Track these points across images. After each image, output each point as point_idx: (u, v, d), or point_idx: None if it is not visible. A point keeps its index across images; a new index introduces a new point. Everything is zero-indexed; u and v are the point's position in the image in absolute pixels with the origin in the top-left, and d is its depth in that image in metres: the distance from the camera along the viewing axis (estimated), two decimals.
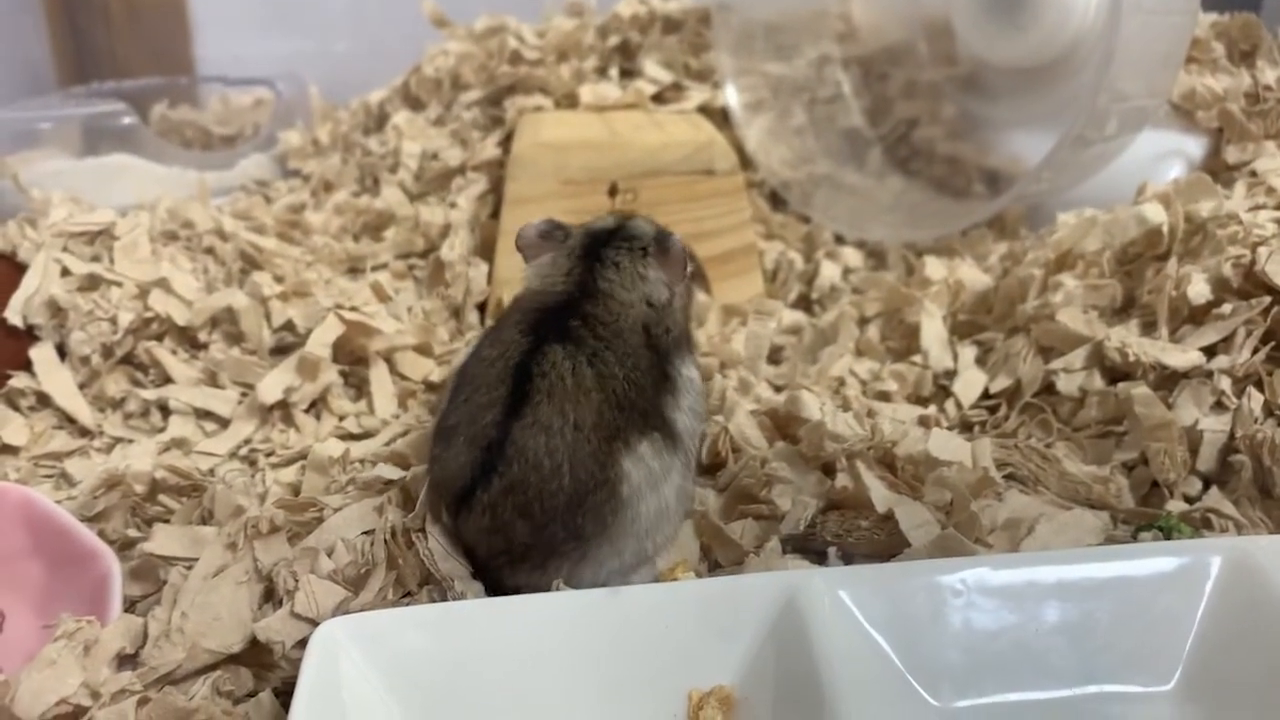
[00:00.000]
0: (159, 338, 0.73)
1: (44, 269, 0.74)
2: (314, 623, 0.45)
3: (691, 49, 1.05)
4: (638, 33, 1.06)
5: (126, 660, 0.47)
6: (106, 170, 1.00)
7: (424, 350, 0.74)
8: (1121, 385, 0.60)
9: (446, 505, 0.50)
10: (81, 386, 0.71)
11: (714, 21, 1.01)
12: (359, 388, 0.72)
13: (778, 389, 0.70)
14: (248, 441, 0.67)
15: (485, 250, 0.85)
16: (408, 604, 0.48)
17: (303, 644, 0.44)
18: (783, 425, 0.63)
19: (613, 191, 0.80)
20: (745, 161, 0.96)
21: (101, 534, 0.54)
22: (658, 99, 1.00)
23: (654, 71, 1.01)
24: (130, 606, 0.51)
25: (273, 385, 0.67)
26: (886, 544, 0.52)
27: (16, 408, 0.69)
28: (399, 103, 1.08)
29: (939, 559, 0.47)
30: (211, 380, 0.71)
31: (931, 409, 0.67)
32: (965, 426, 0.66)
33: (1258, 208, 0.68)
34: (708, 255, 0.83)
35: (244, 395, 0.69)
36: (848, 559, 0.52)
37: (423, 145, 0.98)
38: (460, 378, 0.53)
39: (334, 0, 1.51)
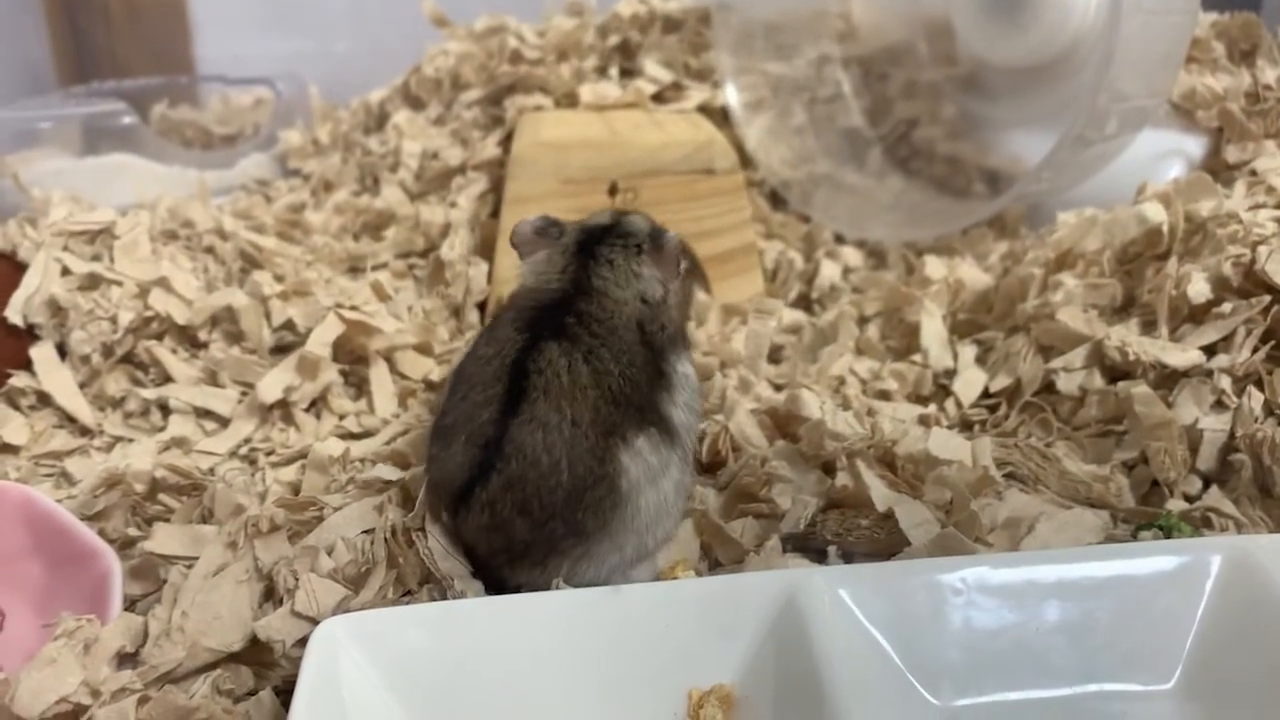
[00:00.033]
0: (159, 337, 0.73)
1: (44, 268, 0.74)
2: (314, 621, 0.45)
3: (691, 48, 1.05)
4: (638, 32, 1.06)
5: (127, 659, 0.47)
6: (107, 169, 1.00)
7: (424, 349, 0.74)
8: (1121, 384, 0.60)
9: (445, 504, 0.50)
10: (82, 385, 0.71)
11: (714, 21, 1.01)
12: (359, 387, 0.72)
13: (778, 388, 0.70)
14: (248, 440, 0.67)
15: (485, 249, 0.85)
16: (408, 603, 0.48)
17: (303, 643, 0.44)
18: (783, 424, 0.63)
19: (613, 191, 0.80)
20: (745, 161, 0.96)
21: (102, 533, 0.54)
22: (658, 98, 1.00)
23: (654, 71, 1.01)
24: (130, 605, 0.51)
25: (273, 384, 0.67)
26: (886, 543, 0.52)
27: (17, 407, 0.69)
28: (399, 102, 1.08)
29: (939, 558, 0.47)
30: (212, 379, 0.71)
31: (931, 408, 0.67)
32: (965, 425, 0.66)
33: (1258, 207, 0.68)
34: (708, 254, 0.82)
35: (244, 394, 0.70)
36: (848, 558, 0.52)
37: (423, 145, 0.98)
38: (457, 376, 0.53)
39: (334, 0, 1.51)
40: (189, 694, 0.45)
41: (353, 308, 0.72)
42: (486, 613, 0.45)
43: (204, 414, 0.69)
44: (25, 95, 1.19)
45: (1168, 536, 0.50)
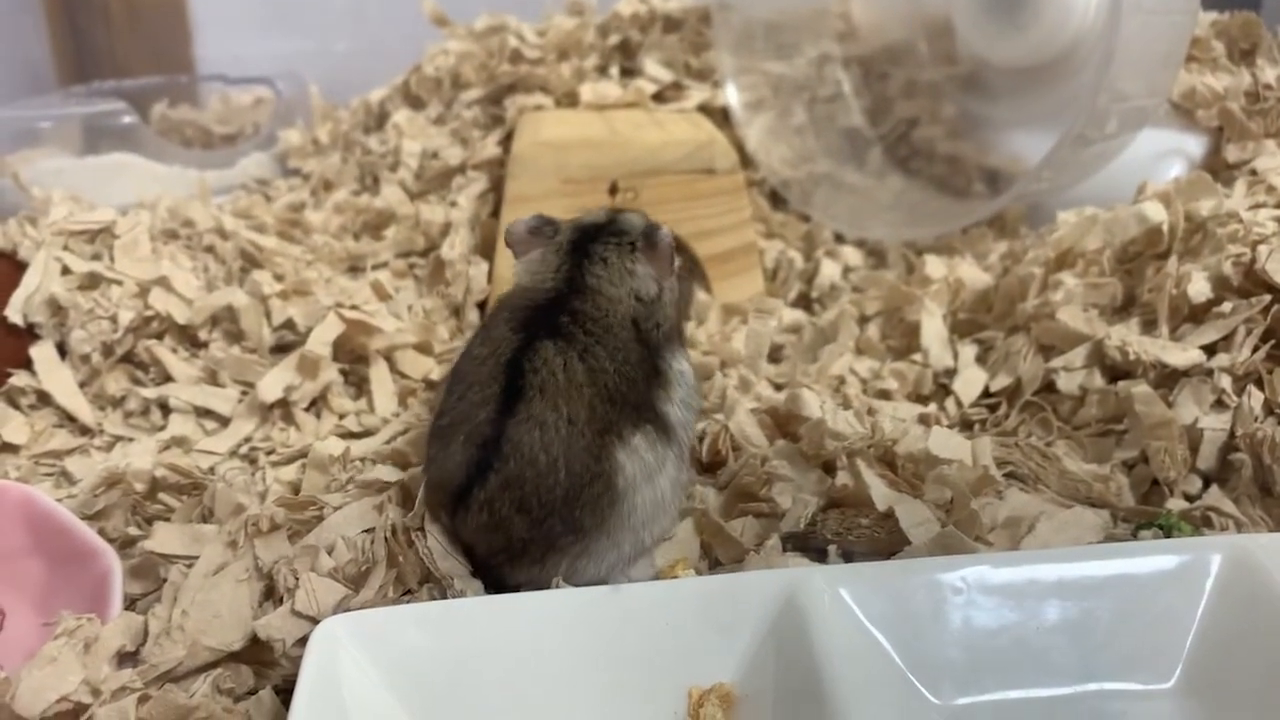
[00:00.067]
0: (159, 336, 0.73)
1: (44, 267, 0.74)
2: (314, 620, 0.45)
3: (692, 48, 1.05)
4: (638, 31, 1.06)
5: (127, 658, 0.47)
6: (107, 169, 1.00)
7: (424, 349, 0.74)
8: (1122, 384, 0.60)
9: (444, 505, 0.50)
10: (82, 385, 0.71)
11: (714, 20, 1.01)
12: (359, 386, 0.72)
13: (778, 387, 0.70)
14: (248, 440, 0.67)
15: (485, 249, 0.85)
16: (408, 602, 0.48)
17: (303, 642, 0.44)
18: (783, 423, 0.63)
19: (613, 190, 0.80)
20: (745, 160, 0.96)
21: (102, 532, 0.54)
22: (658, 98, 1.00)
23: (654, 70, 1.02)
24: (131, 604, 0.51)
25: (273, 383, 0.67)
26: (887, 542, 0.52)
27: (17, 406, 0.69)
28: (399, 102, 1.08)
29: (939, 557, 0.47)
30: (212, 379, 0.71)
31: (932, 407, 0.67)
32: (965, 425, 0.66)
33: (1258, 206, 0.68)
34: (708, 254, 0.83)
35: (244, 394, 0.70)
36: (848, 557, 0.52)
37: (423, 144, 0.98)
38: (454, 377, 0.53)
39: (334, 0, 1.51)
40: (189, 693, 0.45)
41: (353, 307, 0.72)
42: (486, 612, 0.45)
43: (204, 413, 0.69)
44: (25, 95, 1.19)
45: (1168, 536, 0.50)
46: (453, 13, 1.10)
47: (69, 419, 0.69)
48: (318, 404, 0.70)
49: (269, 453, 0.66)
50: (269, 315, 0.74)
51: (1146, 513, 0.53)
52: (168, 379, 0.71)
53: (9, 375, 0.70)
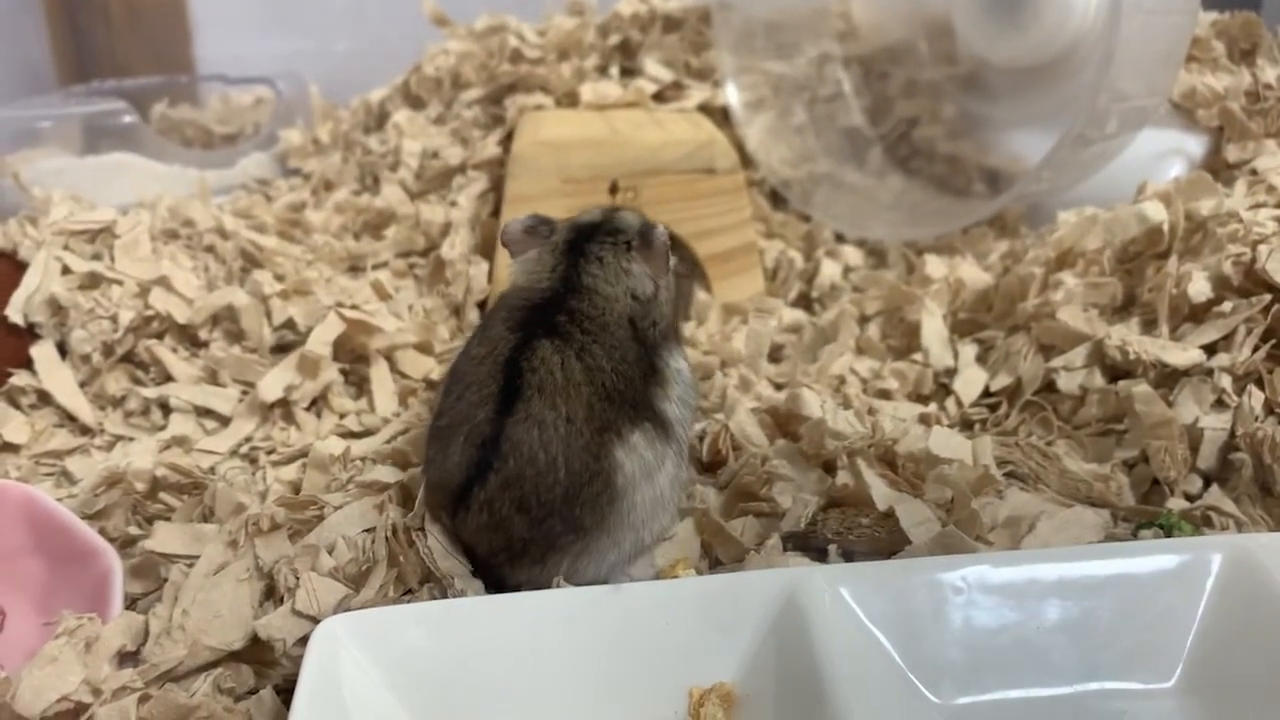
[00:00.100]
0: (160, 336, 0.73)
1: (45, 267, 0.74)
2: (315, 620, 0.45)
3: (692, 47, 1.05)
4: (638, 31, 1.06)
5: (128, 657, 0.47)
6: (107, 169, 1.00)
7: (424, 348, 0.74)
8: (1122, 383, 0.60)
9: (444, 505, 0.50)
10: (82, 384, 0.71)
11: (714, 20, 1.01)
12: (359, 386, 0.72)
13: (778, 387, 0.70)
14: (248, 439, 0.67)
15: (486, 249, 0.85)
16: (408, 601, 0.48)
17: (304, 641, 0.44)
18: (783, 423, 0.63)
19: (613, 190, 0.80)
20: (746, 160, 0.96)
21: (102, 531, 0.54)
22: (658, 97, 1.00)
23: (654, 70, 1.01)
24: (131, 604, 0.51)
25: (273, 383, 0.67)
26: (887, 541, 0.52)
27: (17, 406, 0.69)
28: (399, 101, 1.08)
29: (940, 556, 0.47)
30: (212, 378, 0.71)
31: (932, 407, 0.67)
32: (966, 424, 0.66)
33: (1258, 206, 0.68)
34: (708, 254, 0.83)
35: (245, 393, 0.70)
36: (848, 556, 0.52)
37: (423, 144, 0.98)
38: (452, 377, 0.53)
39: (334, 0, 1.51)
40: (190, 692, 0.45)
41: (353, 307, 0.72)
42: (487, 611, 0.45)
43: (204, 413, 0.69)
44: (25, 95, 1.19)
45: (1168, 535, 0.50)
46: (453, 13, 1.10)
47: (69, 419, 0.69)
48: (318, 404, 0.70)
49: (269, 452, 0.66)
50: (269, 315, 0.74)
51: (1147, 512, 0.53)
52: (168, 379, 0.71)
53: (9, 375, 0.70)
